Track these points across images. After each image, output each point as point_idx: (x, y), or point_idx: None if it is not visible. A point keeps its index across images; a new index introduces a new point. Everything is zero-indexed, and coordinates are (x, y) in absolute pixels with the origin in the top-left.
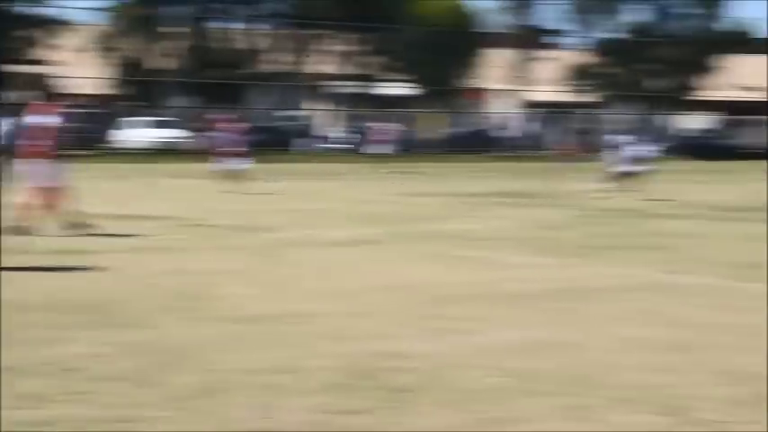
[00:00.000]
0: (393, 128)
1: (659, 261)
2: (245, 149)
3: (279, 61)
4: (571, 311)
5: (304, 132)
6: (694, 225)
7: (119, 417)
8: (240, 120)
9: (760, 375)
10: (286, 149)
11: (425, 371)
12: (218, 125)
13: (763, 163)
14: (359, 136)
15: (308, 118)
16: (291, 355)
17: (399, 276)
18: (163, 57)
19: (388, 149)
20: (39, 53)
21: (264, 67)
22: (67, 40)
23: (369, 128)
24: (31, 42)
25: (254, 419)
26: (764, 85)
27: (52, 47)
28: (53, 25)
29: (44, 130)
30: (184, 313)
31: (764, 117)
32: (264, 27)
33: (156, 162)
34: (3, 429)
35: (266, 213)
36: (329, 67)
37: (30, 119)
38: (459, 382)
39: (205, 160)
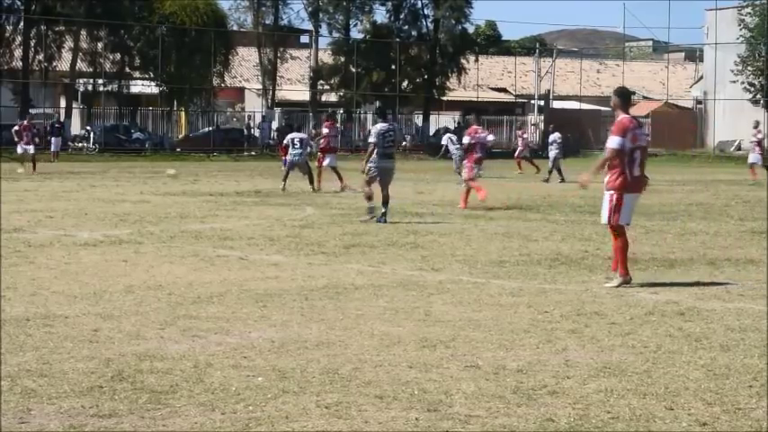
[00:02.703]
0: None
1: (411, 259)
2: None
3: (20, 58)
4: (325, 310)
5: (57, 131)
6: (449, 223)
7: None
8: None
9: (506, 369)
10: (39, 148)
11: (183, 372)
12: None
13: (509, 161)
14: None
15: (59, 116)
16: (44, 358)
17: (153, 277)
18: None
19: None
20: None
21: (6, 64)
22: None
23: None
24: None
25: (9, 424)
26: (512, 85)
27: None
28: None
29: None
30: None
31: (511, 117)
32: (4, 22)
33: None
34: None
35: (12, 214)
36: (73, 64)
37: None
38: (217, 383)
39: None
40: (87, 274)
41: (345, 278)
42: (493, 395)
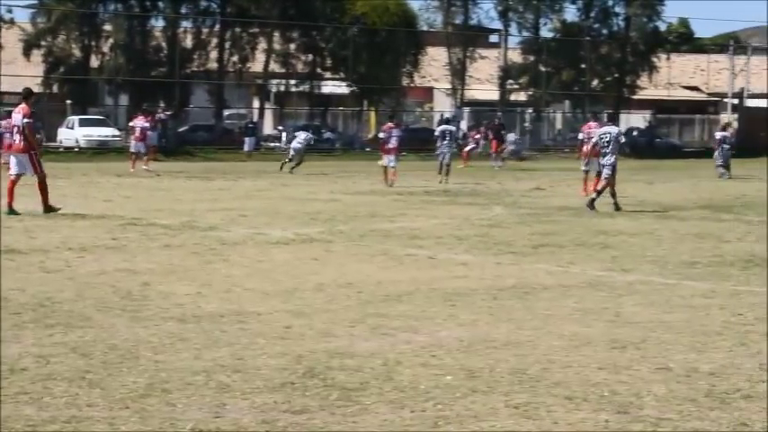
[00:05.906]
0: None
1: (601, 259)
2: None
3: (216, 59)
4: (513, 309)
5: (251, 131)
6: (640, 223)
7: (65, 417)
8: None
9: (699, 372)
10: (232, 148)
11: (373, 369)
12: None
13: (702, 161)
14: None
15: (252, 117)
16: (238, 354)
17: (344, 275)
18: (97, 54)
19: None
20: None
21: (201, 66)
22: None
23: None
24: None
25: (204, 417)
26: (704, 83)
27: None
28: None
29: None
30: (129, 313)
31: (704, 115)
32: (201, 24)
33: (91, 161)
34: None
35: (207, 212)
36: (267, 65)
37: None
38: (406, 381)
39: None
40: (279, 271)
41: (534, 278)
42: (685, 398)
